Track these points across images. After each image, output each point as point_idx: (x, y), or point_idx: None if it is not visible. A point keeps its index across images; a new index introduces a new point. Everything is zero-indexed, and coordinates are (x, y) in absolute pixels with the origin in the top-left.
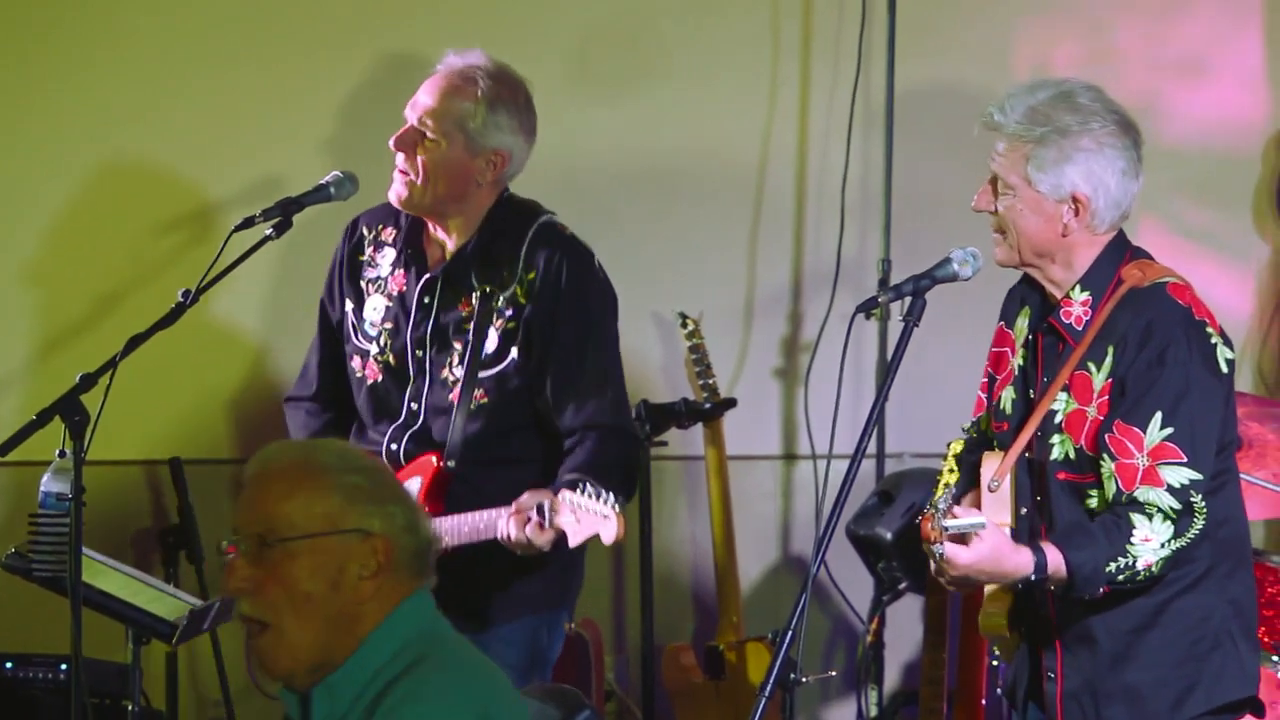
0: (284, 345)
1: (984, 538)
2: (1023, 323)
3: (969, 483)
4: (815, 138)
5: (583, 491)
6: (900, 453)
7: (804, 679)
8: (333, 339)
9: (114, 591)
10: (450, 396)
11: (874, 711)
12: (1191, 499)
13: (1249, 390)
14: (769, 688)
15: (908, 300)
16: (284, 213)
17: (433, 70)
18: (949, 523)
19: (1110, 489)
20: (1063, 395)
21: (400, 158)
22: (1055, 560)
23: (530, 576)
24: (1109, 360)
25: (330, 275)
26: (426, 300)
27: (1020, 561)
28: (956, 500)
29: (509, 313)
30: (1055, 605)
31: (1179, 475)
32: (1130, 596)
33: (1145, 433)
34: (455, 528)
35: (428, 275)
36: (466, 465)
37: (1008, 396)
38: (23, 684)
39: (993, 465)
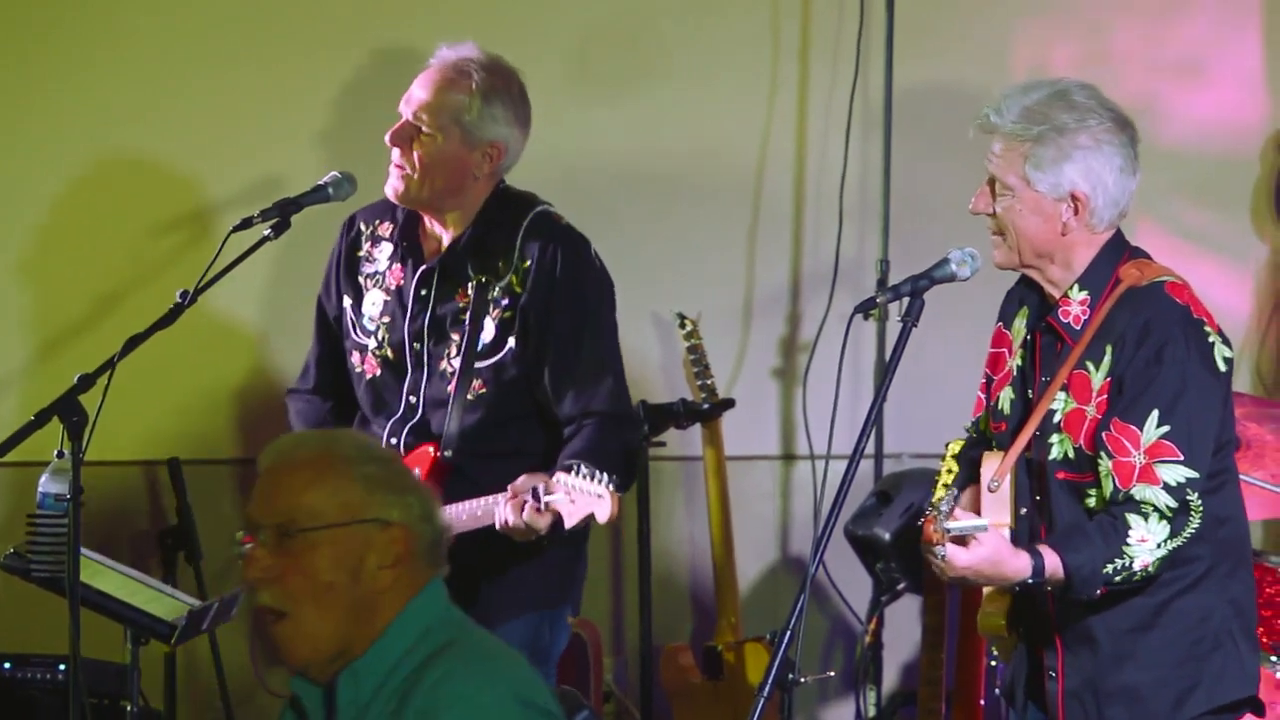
0: (283, 345)
1: (983, 540)
2: (1021, 323)
3: (968, 477)
4: (814, 138)
5: (577, 473)
6: (898, 453)
7: (802, 679)
8: (329, 336)
9: (112, 592)
10: (449, 388)
11: (872, 712)
12: (1188, 497)
13: (1247, 391)
14: (767, 688)
15: (906, 301)
16: (282, 213)
17: (426, 64)
18: (950, 525)
19: (1107, 487)
20: (1061, 395)
21: (396, 153)
22: (1053, 563)
23: (531, 572)
24: (1107, 359)
25: (328, 272)
26: (423, 293)
27: (1018, 565)
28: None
29: (505, 302)
30: (1055, 604)
31: (1175, 473)
32: (1130, 596)
33: (1142, 431)
34: (454, 516)
35: (424, 267)
36: (465, 457)
37: (1006, 397)
38: (21, 684)
39: (992, 465)
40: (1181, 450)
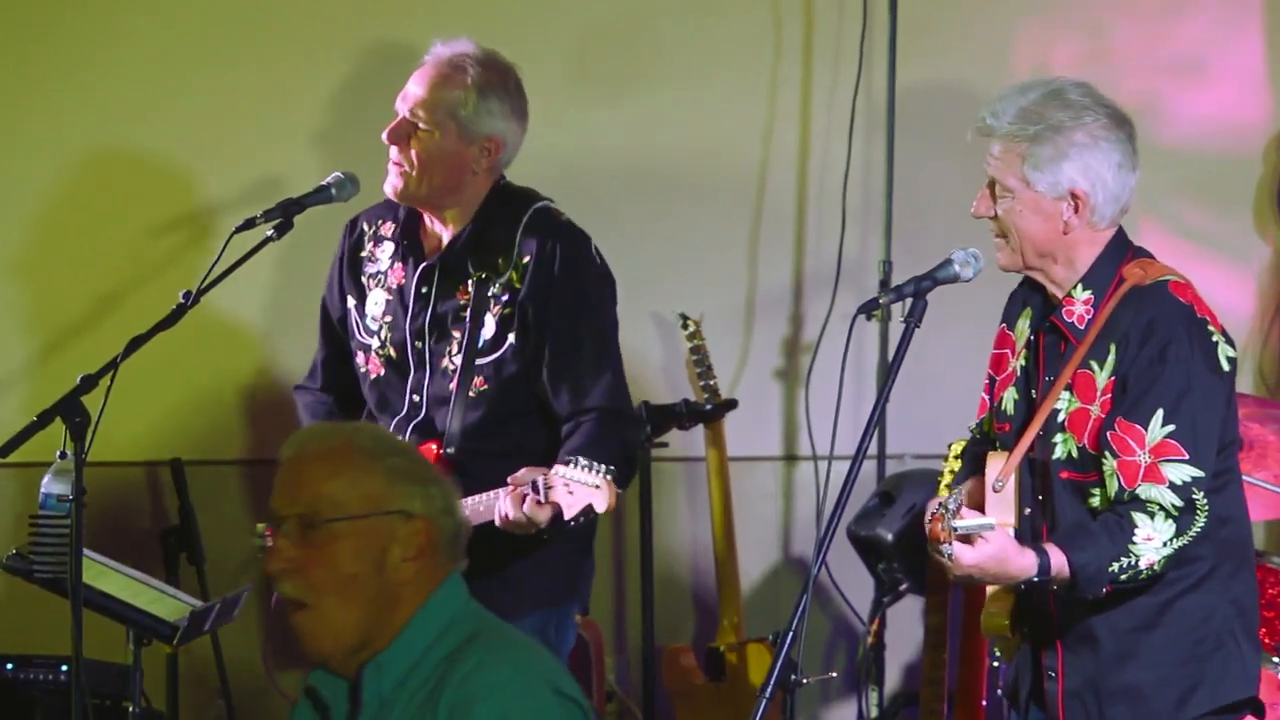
0: (285, 346)
1: (989, 539)
2: (1024, 324)
3: (970, 472)
4: (816, 138)
5: (574, 465)
6: (901, 454)
7: (804, 680)
8: (334, 337)
9: (115, 593)
10: (450, 386)
11: (874, 712)
12: (1193, 496)
13: (1249, 391)
14: (769, 689)
15: (909, 301)
16: (285, 214)
17: (421, 61)
18: (958, 523)
19: (1112, 486)
20: (1066, 394)
21: (394, 150)
22: (1059, 561)
23: (535, 570)
24: (1111, 358)
25: (331, 274)
26: (424, 290)
27: (1024, 563)
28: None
29: (505, 298)
30: (1057, 605)
31: (1181, 472)
32: (1133, 595)
33: (1147, 430)
34: None
35: (424, 265)
36: (467, 454)
37: (1009, 397)
38: (23, 685)
39: (997, 465)
40: (1187, 449)
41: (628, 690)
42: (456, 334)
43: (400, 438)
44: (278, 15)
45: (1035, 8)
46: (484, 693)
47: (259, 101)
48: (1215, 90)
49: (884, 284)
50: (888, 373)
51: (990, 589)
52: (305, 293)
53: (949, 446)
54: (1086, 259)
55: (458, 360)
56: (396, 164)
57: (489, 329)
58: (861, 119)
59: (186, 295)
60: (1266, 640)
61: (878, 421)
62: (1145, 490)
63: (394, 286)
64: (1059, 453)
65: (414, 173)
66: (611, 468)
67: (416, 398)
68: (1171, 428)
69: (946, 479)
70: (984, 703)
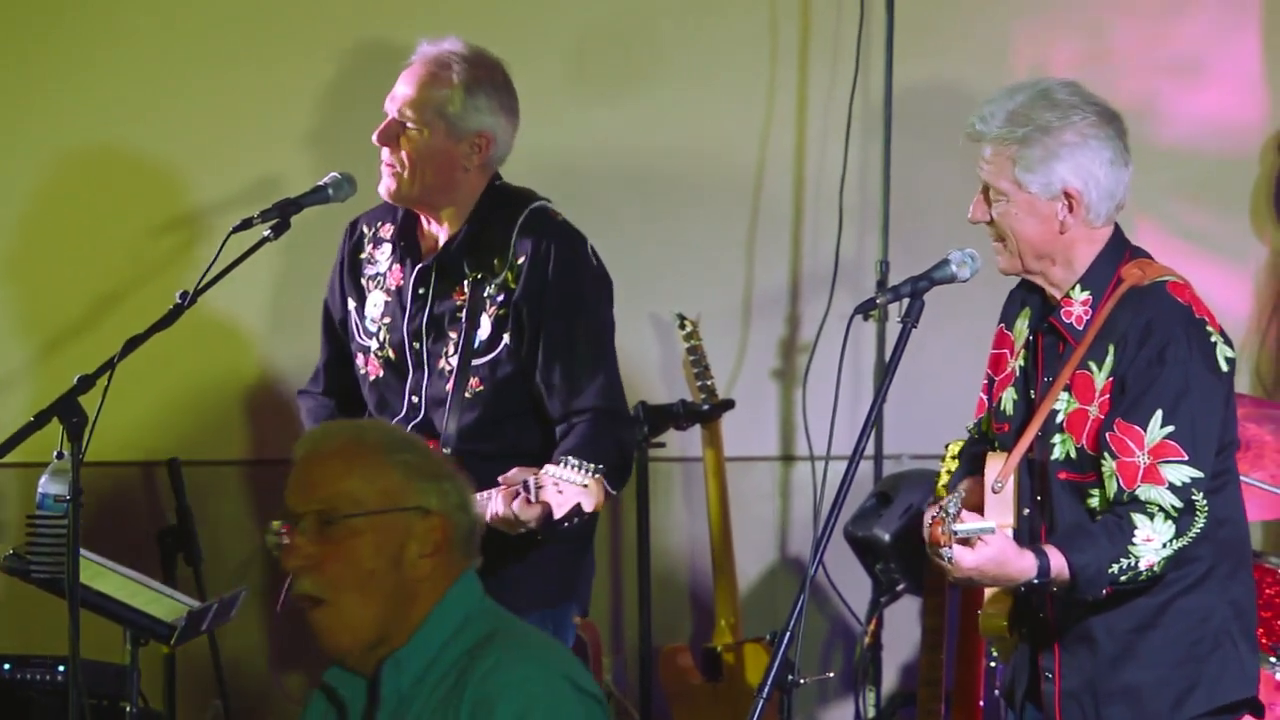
0: (283, 346)
1: (989, 541)
2: (1022, 324)
3: (967, 471)
4: (813, 138)
5: (564, 465)
6: (898, 454)
7: (802, 680)
8: (335, 339)
9: (112, 593)
10: (448, 386)
11: (872, 713)
12: (1193, 497)
13: (1246, 392)
14: (767, 689)
15: (906, 302)
16: (282, 214)
17: (408, 61)
18: (958, 526)
19: (1111, 487)
20: (1064, 395)
21: (385, 152)
22: (1058, 563)
23: (530, 571)
24: (1110, 359)
25: (332, 276)
26: (421, 291)
27: (1024, 565)
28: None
29: (500, 299)
30: (1054, 607)
31: (1180, 473)
32: (1131, 596)
33: (1146, 431)
34: None
35: (420, 266)
36: (463, 455)
37: (1008, 398)
38: (21, 685)
39: (996, 466)
40: (1186, 450)
41: (625, 690)
42: (453, 335)
43: (415, 435)
44: (277, 16)
45: (1033, 8)
46: (505, 690)
47: (258, 102)
48: (1213, 91)
49: (881, 284)
50: (885, 373)
51: (989, 590)
52: (302, 293)
53: (946, 447)
54: (1085, 258)
55: (454, 361)
56: (389, 165)
57: (485, 330)
58: (859, 119)
59: (183, 295)
60: (1264, 640)
61: (875, 422)
62: (1144, 491)
63: (392, 288)
64: (1057, 453)
65: (406, 173)
66: (600, 467)
67: (415, 399)
68: (1170, 429)
69: (944, 479)
70: (981, 703)
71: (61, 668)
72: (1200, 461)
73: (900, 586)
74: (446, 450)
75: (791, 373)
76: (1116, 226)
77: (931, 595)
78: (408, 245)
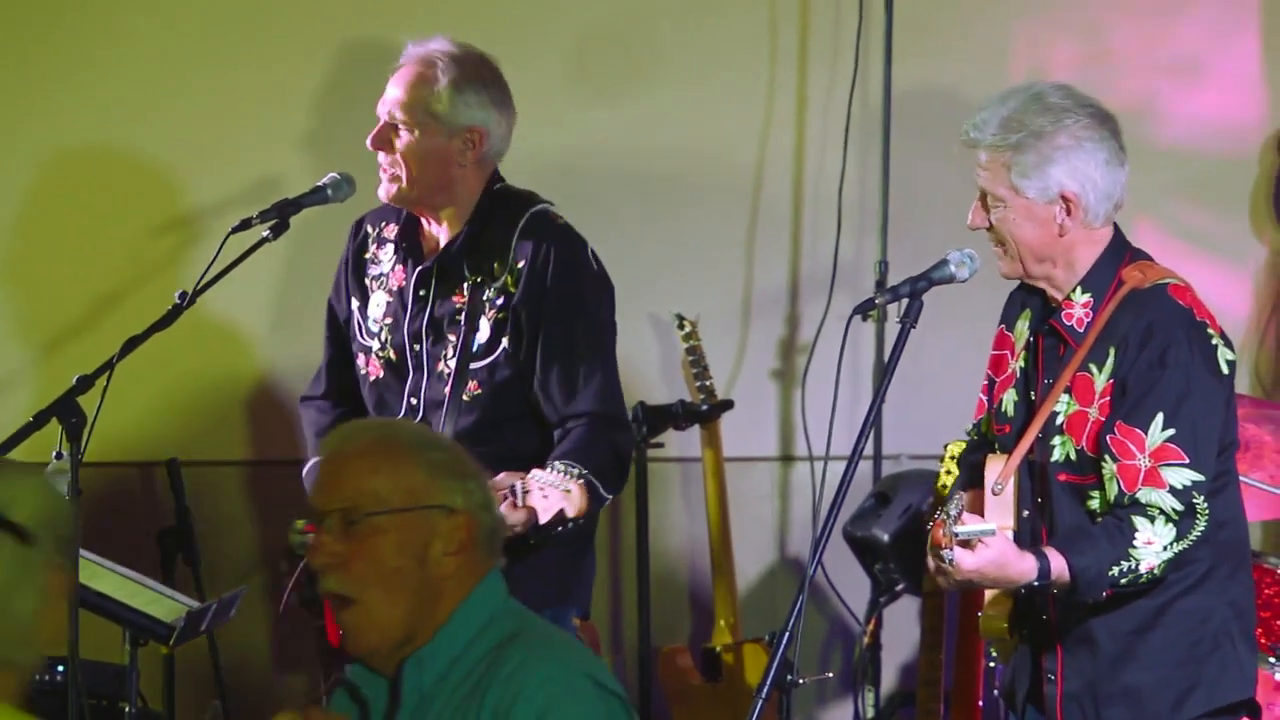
0: (282, 346)
1: (989, 543)
2: (1023, 325)
3: (968, 480)
4: (812, 139)
5: (552, 470)
6: (897, 454)
7: (801, 680)
8: (340, 340)
9: (111, 593)
10: (446, 389)
11: (871, 713)
12: (1194, 500)
13: (1246, 392)
14: (766, 689)
15: (904, 302)
16: (281, 214)
17: (396, 64)
18: (958, 528)
19: (1112, 490)
20: (1064, 397)
21: (381, 156)
22: (1059, 565)
23: (529, 575)
24: (1110, 361)
25: (337, 276)
26: (422, 292)
27: (1024, 568)
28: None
29: (499, 302)
30: (1056, 608)
31: (1181, 476)
32: (1131, 598)
33: (1147, 434)
34: None
35: (421, 268)
36: None
37: (1009, 399)
38: None
39: (996, 468)
40: (1187, 453)
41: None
42: (452, 337)
43: (442, 434)
44: (276, 16)
45: (1032, 8)
46: (527, 692)
47: (257, 102)
48: (1212, 91)
49: (880, 284)
50: (884, 373)
51: (989, 592)
52: (302, 293)
53: (945, 447)
54: (1086, 260)
55: (452, 364)
56: (385, 168)
57: (483, 333)
58: (858, 120)
59: (182, 296)
60: (1263, 640)
61: (874, 422)
62: (1145, 494)
63: (394, 289)
64: (1057, 455)
65: (402, 175)
66: (585, 473)
67: (414, 400)
68: (1171, 431)
69: (943, 479)
70: (980, 703)
71: (60, 668)
72: (1201, 464)
73: (899, 586)
74: None
75: (790, 373)
76: (1116, 228)
77: (930, 595)
78: (410, 246)
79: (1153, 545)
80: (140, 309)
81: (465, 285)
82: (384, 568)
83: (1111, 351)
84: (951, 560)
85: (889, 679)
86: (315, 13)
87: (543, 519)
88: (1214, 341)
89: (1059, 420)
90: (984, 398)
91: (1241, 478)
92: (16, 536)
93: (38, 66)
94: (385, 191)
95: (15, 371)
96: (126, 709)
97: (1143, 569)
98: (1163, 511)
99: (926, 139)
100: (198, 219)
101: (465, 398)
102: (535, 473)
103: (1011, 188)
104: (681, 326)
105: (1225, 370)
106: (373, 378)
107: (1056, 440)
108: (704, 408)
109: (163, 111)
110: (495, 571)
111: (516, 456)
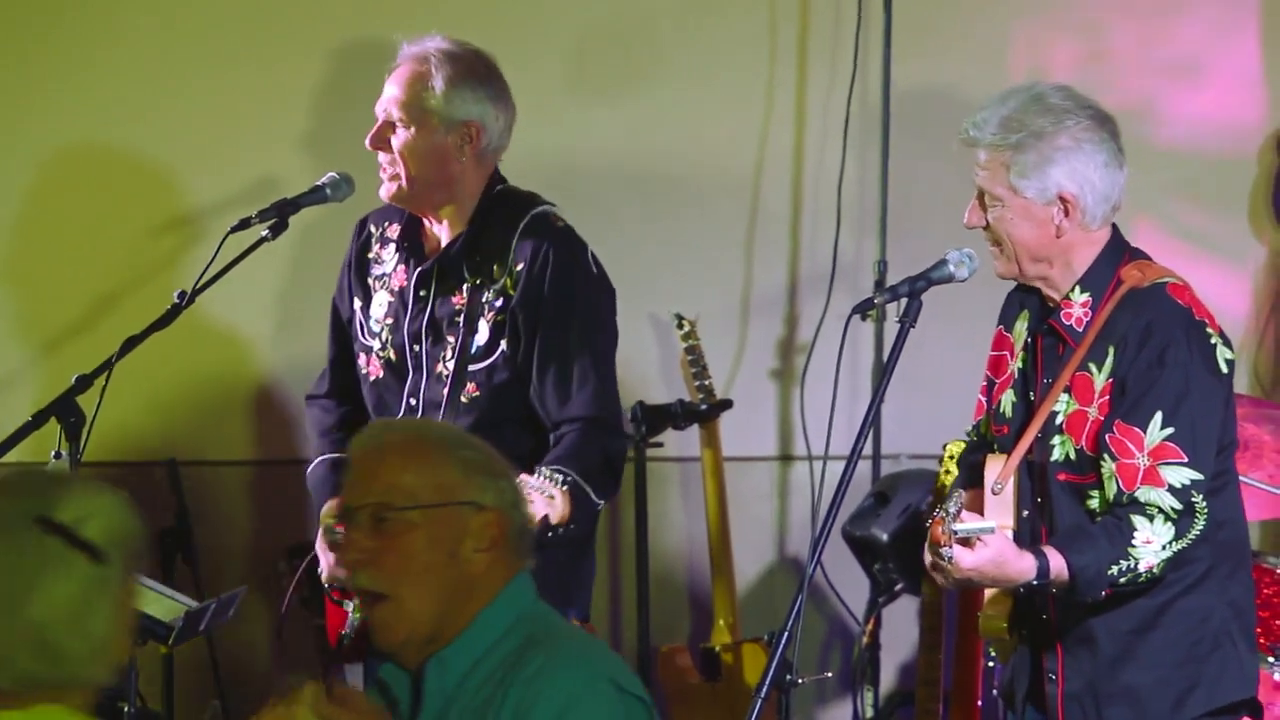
0: (282, 346)
1: (988, 542)
2: (1021, 326)
3: (967, 481)
4: (812, 139)
5: (538, 474)
6: (896, 454)
7: (800, 680)
8: (344, 339)
9: None
10: (444, 391)
11: (870, 713)
12: (1193, 499)
13: (1245, 392)
14: (765, 689)
15: (903, 302)
16: (280, 214)
17: (392, 64)
18: (958, 526)
19: (1111, 489)
20: (1064, 396)
21: (381, 156)
22: (1058, 564)
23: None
24: (1109, 361)
25: (341, 275)
26: (422, 293)
27: (1023, 566)
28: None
29: (499, 304)
30: (1056, 608)
31: (1180, 475)
32: (1131, 598)
33: (1146, 433)
34: None
35: (421, 268)
36: None
37: (1008, 400)
38: None
39: (996, 468)
40: (1186, 452)
41: None
42: (451, 339)
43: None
44: (276, 16)
45: (1032, 8)
46: (548, 691)
47: (257, 102)
48: (1212, 91)
49: (879, 284)
50: (883, 373)
51: (989, 591)
52: (301, 293)
53: (944, 447)
54: (1084, 260)
55: (450, 366)
56: (385, 168)
57: (482, 335)
58: (857, 120)
59: (181, 295)
60: (1263, 640)
61: (873, 422)
62: (1144, 493)
63: (396, 289)
64: (1057, 455)
65: (401, 173)
66: (569, 479)
67: (413, 401)
68: (1170, 430)
69: (942, 480)
70: (979, 702)
71: None
72: (1200, 464)
73: (898, 586)
74: None
75: (789, 373)
76: (1115, 228)
77: (930, 595)
78: (411, 246)
79: (1152, 544)
80: (140, 309)
81: (465, 287)
82: (415, 563)
83: (1110, 351)
84: (950, 558)
85: (888, 679)
86: (315, 13)
87: None
88: (1213, 341)
89: (1058, 420)
90: (983, 399)
91: (1241, 477)
92: (89, 555)
93: (38, 66)
94: (385, 191)
95: (15, 371)
96: (125, 708)
97: (1142, 568)
98: (1161, 510)
99: (926, 139)
100: (197, 219)
101: (463, 399)
102: (521, 477)
103: (1010, 187)
104: (680, 326)
105: (1224, 369)
106: (373, 378)
107: (1056, 440)
108: (703, 407)
109: (163, 111)
110: (525, 573)
111: (515, 459)
